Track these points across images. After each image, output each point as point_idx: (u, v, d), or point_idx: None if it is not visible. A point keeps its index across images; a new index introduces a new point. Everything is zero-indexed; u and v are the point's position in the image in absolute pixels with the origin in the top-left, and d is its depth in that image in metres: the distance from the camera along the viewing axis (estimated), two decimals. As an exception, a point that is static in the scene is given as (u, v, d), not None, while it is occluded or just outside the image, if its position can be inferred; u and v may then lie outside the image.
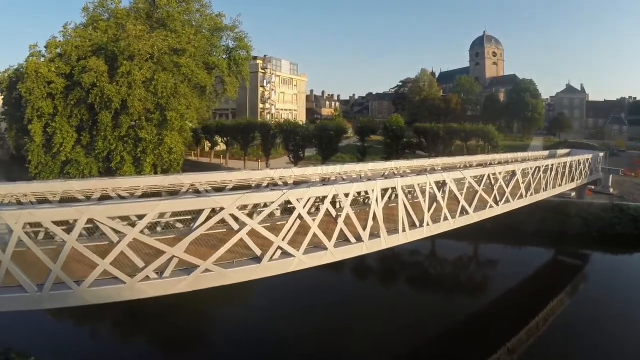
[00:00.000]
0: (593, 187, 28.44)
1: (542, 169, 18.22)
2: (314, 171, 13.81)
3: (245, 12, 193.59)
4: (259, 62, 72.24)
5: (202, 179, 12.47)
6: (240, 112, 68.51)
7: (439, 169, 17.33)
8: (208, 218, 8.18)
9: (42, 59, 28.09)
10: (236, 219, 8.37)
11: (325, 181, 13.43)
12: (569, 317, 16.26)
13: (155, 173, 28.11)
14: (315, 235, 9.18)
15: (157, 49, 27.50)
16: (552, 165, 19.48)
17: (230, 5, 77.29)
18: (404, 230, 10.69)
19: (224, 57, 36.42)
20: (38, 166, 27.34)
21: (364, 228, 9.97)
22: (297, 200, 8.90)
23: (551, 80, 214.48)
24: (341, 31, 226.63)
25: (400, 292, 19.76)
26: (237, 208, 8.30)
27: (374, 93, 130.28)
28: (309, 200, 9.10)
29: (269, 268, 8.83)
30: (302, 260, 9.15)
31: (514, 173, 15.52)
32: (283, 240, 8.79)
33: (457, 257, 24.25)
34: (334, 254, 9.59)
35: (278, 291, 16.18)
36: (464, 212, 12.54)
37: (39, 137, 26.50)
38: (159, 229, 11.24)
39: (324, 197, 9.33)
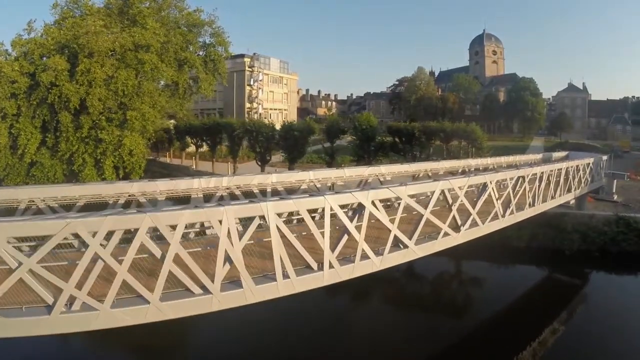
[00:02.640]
0: (595, 194, 25.15)
1: (527, 179, 14.39)
2: (189, 185, 9.97)
3: (244, 11, 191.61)
4: (246, 59, 69.62)
5: (42, 193, 9.60)
6: (227, 112, 66.30)
7: (388, 178, 13.42)
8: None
9: (8, 58, 27.48)
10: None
11: (209, 198, 9.76)
12: (562, 351, 14.03)
13: (117, 176, 27.28)
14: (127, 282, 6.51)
15: (119, 45, 26.32)
16: (542, 173, 15.73)
17: (229, 4, 74.18)
18: (286, 277, 7.01)
19: (201, 53, 34.72)
20: (6, 168, 26.40)
21: (213, 275, 6.50)
22: (90, 233, 6.18)
23: (552, 79, 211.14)
24: (340, 30, 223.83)
25: (376, 314, 17.27)
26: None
27: (372, 92, 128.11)
28: (114, 233, 6.45)
29: (63, 322, 6.55)
30: (112, 315, 6.58)
31: (484, 186, 11.64)
32: (81, 287, 6.33)
33: (437, 275, 21.21)
34: (160, 309, 6.81)
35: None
36: (399, 244, 8.67)
37: (4, 138, 25.50)
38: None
39: (136, 230, 6.24)
